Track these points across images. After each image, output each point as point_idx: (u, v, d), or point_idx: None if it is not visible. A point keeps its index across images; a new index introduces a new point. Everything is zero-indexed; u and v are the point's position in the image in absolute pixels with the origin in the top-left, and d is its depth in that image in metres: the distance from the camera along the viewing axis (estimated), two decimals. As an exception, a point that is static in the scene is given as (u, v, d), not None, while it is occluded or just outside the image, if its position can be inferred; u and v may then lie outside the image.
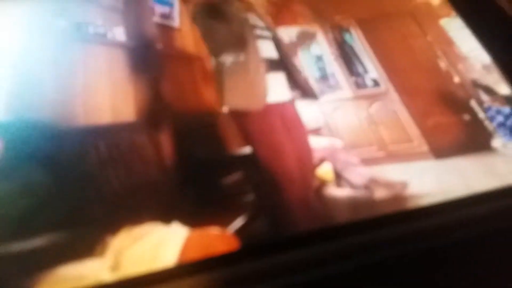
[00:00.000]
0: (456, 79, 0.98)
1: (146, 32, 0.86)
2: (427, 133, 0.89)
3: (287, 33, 0.95)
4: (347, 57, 0.93)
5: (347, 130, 0.84)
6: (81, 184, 0.70)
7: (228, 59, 0.84)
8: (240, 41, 0.88)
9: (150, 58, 0.83)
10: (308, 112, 0.87)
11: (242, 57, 0.84)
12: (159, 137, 0.77)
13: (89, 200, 0.69)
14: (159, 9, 0.89)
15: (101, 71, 0.80)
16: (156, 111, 0.78)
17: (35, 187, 0.68)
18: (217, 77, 0.83)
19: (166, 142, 0.77)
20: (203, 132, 0.78)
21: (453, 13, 1.09)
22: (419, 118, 0.91)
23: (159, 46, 0.85)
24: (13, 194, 0.66)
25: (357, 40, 0.96)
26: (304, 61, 0.91)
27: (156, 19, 0.88)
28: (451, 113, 0.92)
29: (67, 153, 0.72)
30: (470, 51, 1.04)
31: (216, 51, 0.85)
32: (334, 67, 0.92)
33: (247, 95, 0.82)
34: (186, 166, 0.76)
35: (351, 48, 0.94)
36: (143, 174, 0.74)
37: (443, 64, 0.99)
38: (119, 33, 0.84)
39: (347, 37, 0.96)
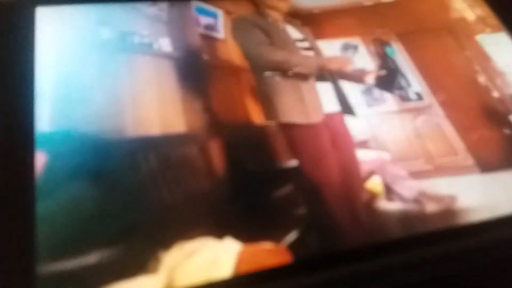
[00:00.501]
0: (495, 94, 0.95)
1: (191, 42, 0.82)
2: (472, 146, 0.86)
3: (329, 45, 0.92)
4: (390, 70, 0.90)
5: (394, 143, 0.80)
6: (131, 198, 0.66)
7: (273, 73, 0.81)
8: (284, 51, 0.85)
9: (197, 69, 0.80)
10: (356, 124, 0.84)
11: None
12: (210, 148, 0.73)
13: (140, 215, 0.65)
14: (204, 20, 0.86)
15: (148, 82, 0.76)
16: (205, 122, 0.75)
17: (83, 203, 0.64)
18: (262, 91, 0.80)
19: (217, 154, 0.73)
20: (252, 144, 0.74)
21: (488, 29, 1.06)
22: (463, 131, 0.88)
23: (205, 57, 0.81)
24: (60, 212, 0.62)
25: (398, 53, 0.93)
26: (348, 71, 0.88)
27: (201, 30, 0.85)
28: (493, 127, 0.89)
29: (116, 166, 0.68)
30: (506, 66, 1.02)
31: (258, 66, 0.83)
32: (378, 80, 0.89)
33: (302, 108, 0.79)
34: (237, 178, 0.72)
35: (393, 61, 0.91)
36: (194, 186, 0.70)
37: (482, 79, 0.96)
38: (165, 44, 0.81)
39: (388, 50, 0.93)
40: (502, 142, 0.90)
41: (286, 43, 0.90)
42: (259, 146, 0.77)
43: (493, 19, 1.07)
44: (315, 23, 1.00)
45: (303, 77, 0.85)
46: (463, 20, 1.11)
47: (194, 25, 0.88)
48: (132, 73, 0.77)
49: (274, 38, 0.89)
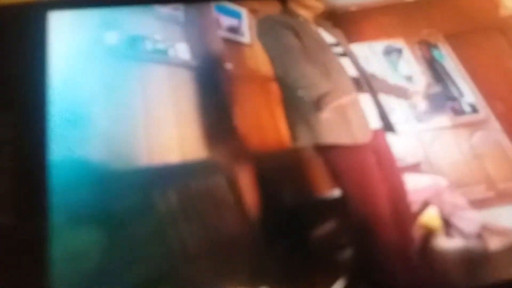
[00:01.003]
0: None
1: (213, 49, 0.68)
2: None
3: (369, 49, 0.78)
4: (440, 77, 0.77)
5: (450, 165, 0.67)
6: (146, 242, 0.54)
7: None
8: (318, 60, 0.71)
9: (219, 80, 0.66)
10: (404, 144, 0.71)
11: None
12: (239, 179, 0.60)
13: (158, 264, 0.53)
14: (226, 21, 0.72)
15: (164, 97, 0.63)
16: (232, 147, 0.62)
17: (89, 249, 0.51)
18: (296, 107, 0.66)
19: (247, 185, 0.60)
20: (288, 173, 0.61)
21: None
22: None
23: (229, 65, 0.67)
24: (63, 260, 0.49)
25: (447, 57, 0.79)
26: (391, 82, 0.74)
27: (223, 33, 0.70)
28: None
29: (127, 203, 0.55)
30: None
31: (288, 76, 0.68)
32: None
33: (345, 126, 0.66)
34: (272, 216, 0.59)
35: (442, 67, 0.78)
36: (222, 228, 0.57)
37: None
38: (182, 50, 0.67)
39: (436, 54, 0.80)
40: None
41: (321, 49, 0.74)
42: (295, 174, 0.64)
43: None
44: (351, 23, 0.85)
45: (343, 87, 0.72)
46: None
47: (215, 27, 0.73)
48: (145, 86, 0.63)
49: (307, 42, 0.73)
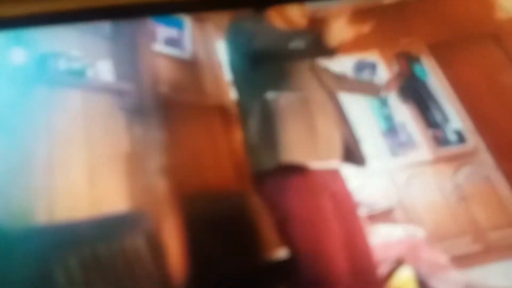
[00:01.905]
0: None
1: (145, 67, 0.54)
2: None
3: (338, 65, 0.63)
4: (421, 99, 0.62)
5: (429, 211, 0.54)
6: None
7: (278, 99, 0.52)
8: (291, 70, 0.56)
9: (149, 108, 0.51)
10: (375, 185, 0.57)
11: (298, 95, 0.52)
12: (165, 236, 0.47)
13: None
14: (164, 32, 0.57)
15: (75, 134, 0.48)
16: (160, 194, 0.48)
17: None
18: (250, 129, 0.52)
19: (174, 244, 0.47)
20: (226, 226, 0.47)
21: None
22: None
23: (163, 88, 0.53)
24: None
25: (430, 73, 0.64)
26: (363, 107, 0.59)
27: (160, 47, 0.55)
28: None
29: (20, 274, 0.42)
30: None
31: (253, 90, 0.54)
32: (405, 114, 0.60)
33: (313, 147, 0.52)
34: (205, 281, 0.46)
35: (424, 85, 0.63)
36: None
37: None
38: (104, 70, 0.52)
39: (417, 69, 0.65)
40: None
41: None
42: (236, 228, 0.50)
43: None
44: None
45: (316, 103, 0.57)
46: (510, 21, 0.81)
47: (150, 41, 0.58)
48: (52, 119, 0.49)
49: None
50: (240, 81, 0.56)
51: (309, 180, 0.52)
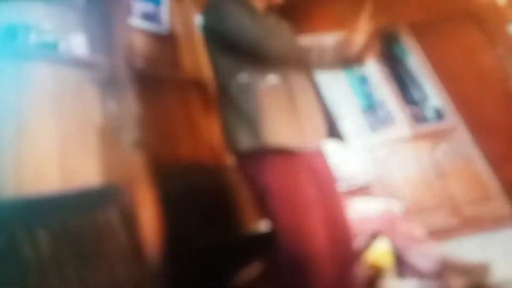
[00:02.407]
0: None
1: (119, 41, 0.51)
2: (509, 186, 0.59)
3: (319, 42, 0.61)
4: (400, 77, 0.60)
5: (406, 186, 0.53)
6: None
7: (255, 80, 0.50)
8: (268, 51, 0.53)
9: (123, 81, 0.49)
10: (354, 160, 0.55)
11: (278, 76, 0.50)
12: (140, 209, 0.45)
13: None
14: (141, 7, 0.54)
15: (46, 107, 0.46)
16: (133, 169, 0.46)
17: None
18: (231, 110, 0.50)
19: (150, 217, 0.45)
20: (204, 199, 0.45)
21: None
22: (498, 164, 0.60)
23: (139, 63, 0.50)
24: None
25: (410, 52, 0.62)
26: (343, 85, 0.57)
27: (136, 21, 0.53)
28: None
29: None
30: None
31: (231, 69, 0.51)
32: (384, 92, 0.59)
33: (296, 129, 0.50)
34: (180, 258, 0.44)
35: (403, 64, 0.62)
36: (110, 274, 0.42)
37: None
38: (78, 43, 0.50)
39: (397, 48, 0.63)
40: None
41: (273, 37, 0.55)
42: (214, 201, 0.49)
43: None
44: (300, 12, 0.68)
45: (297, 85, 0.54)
46: (491, 3, 0.79)
47: (126, 14, 0.56)
48: (22, 92, 0.46)
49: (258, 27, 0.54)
50: (217, 59, 0.53)
51: (290, 159, 0.50)
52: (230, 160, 0.47)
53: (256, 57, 0.52)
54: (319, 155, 0.54)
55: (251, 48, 0.51)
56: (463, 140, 0.63)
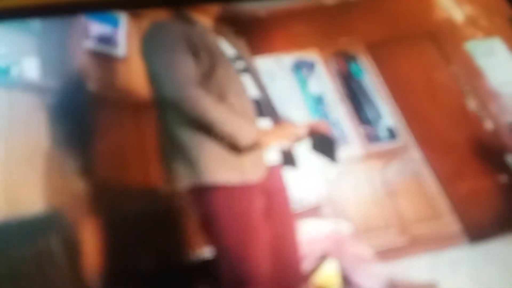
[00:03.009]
0: (489, 124, 0.66)
1: (74, 64, 0.50)
2: (458, 204, 0.58)
3: (276, 63, 0.60)
4: (355, 97, 0.60)
5: (357, 206, 0.52)
6: None
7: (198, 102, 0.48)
8: (214, 80, 0.51)
9: (77, 106, 0.48)
10: (305, 181, 0.55)
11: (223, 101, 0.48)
12: (83, 236, 0.44)
13: None
14: (97, 29, 0.53)
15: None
16: (78, 194, 0.45)
17: None
18: (169, 142, 0.47)
19: (92, 244, 0.44)
20: (148, 224, 0.44)
21: (480, 33, 0.75)
22: (448, 183, 0.60)
23: (92, 86, 0.49)
24: None
25: (366, 72, 0.62)
26: (299, 103, 0.56)
27: (91, 44, 0.52)
28: (486, 174, 0.61)
29: None
30: (502, 85, 0.72)
31: (169, 93, 0.47)
32: (339, 111, 0.58)
33: (236, 163, 0.47)
34: (124, 282, 0.43)
35: (359, 84, 0.61)
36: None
37: (472, 104, 0.67)
38: (30, 67, 0.48)
39: (354, 68, 0.62)
40: (496, 194, 0.62)
41: (220, 64, 0.51)
42: (158, 228, 0.48)
43: (485, 20, 0.75)
44: (259, 31, 0.65)
45: (242, 111, 0.50)
46: (449, 21, 0.77)
47: (81, 37, 0.55)
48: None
49: (204, 56, 0.51)
50: (155, 81, 0.49)
51: (233, 190, 0.46)
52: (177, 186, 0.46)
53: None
54: (274, 174, 0.52)
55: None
56: (414, 158, 0.62)
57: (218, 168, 0.48)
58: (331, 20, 0.66)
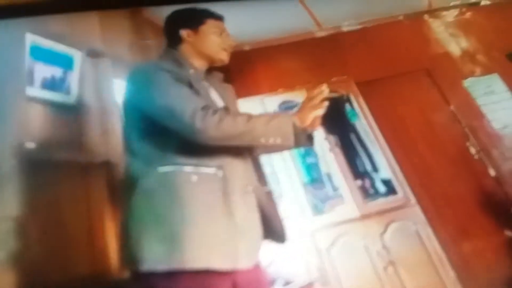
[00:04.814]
0: (491, 172, 0.55)
1: (10, 119, 0.37)
2: (464, 269, 0.47)
3: (262, 104, 0.48)
4: (350, 144, 0.48)
5: (353, 281, 0.40)
6: None
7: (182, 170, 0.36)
8: None
9: (8, 172, 0.35)
10: (295, 255, 0.43)
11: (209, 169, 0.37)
12: None
13: None
14: (46, 72, 0.40)
15: None
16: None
17: None
18: (138, 215, 0.36)
19: None
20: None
21: (478, 70, 0.65)
22: (451, 245, 0.49)
23: (30, 144, 0.36)
24: None
25: (360, 114, 0.50)
26: (285, 157, 0.45)
27: (37, 91, 0.38)
28: (490, 230, 0.50)
29: None
30: (503, 128, 0.61)
31: (151, 156, 0.37)
32: (331, 163, 0.46)
33: (230, 247, 0.36)
34: None
35: (354, 129, 0.49)
36: None
37: (473, 149, 0.56)
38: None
39: (349, 112, 0.51)
40: (504, 252, 0.51)
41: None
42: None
43: (483, 56, 0.64)
44: (245, 69, 0.54)
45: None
46: (446, 56, 0.64)
47: (23, 83, 0.42)
48: None
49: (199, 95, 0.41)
50: (134, 142, 0.38)
51: (211, 277, 0.35)
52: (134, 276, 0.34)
53: (189, 142, 0.38)
54: (253, 272, 0.40)
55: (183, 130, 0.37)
56: (415, 216, 0.51)
57: (211, 252, 0.35)
58: (320, 55, 0.54)
